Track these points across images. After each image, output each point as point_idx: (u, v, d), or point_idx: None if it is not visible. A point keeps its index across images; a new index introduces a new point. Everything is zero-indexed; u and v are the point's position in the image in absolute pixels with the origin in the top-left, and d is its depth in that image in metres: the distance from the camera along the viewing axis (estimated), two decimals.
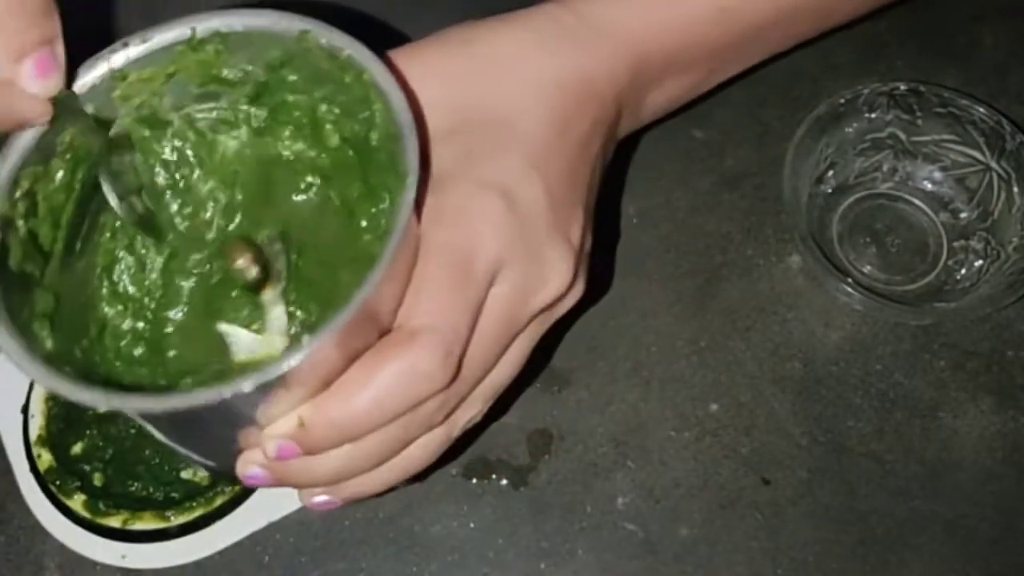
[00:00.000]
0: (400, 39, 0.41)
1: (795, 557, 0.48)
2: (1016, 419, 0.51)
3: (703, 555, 0.48)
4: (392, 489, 0.38)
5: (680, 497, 0.49)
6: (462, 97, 0.36)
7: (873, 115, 0.53)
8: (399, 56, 0.38)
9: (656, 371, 0.51)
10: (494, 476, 0.49)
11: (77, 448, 0.49)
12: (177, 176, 0.41)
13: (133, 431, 0.49)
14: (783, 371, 0.51)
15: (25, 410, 0.49)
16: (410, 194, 0.31)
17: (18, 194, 0.34)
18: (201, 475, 0.49)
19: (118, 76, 0.36)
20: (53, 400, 0.49)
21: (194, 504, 0.47)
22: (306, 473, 0.34)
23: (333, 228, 0.40)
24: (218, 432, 0.34)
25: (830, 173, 0.54)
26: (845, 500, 0.49)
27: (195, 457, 0.38)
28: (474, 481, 0.49)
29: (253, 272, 0.38)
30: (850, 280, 0.49)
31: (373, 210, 0.38)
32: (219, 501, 0.47)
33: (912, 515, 0.49)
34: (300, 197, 0.41)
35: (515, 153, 0.35)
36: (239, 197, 0.41)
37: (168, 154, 0.40)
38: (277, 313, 0.40)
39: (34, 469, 0.48)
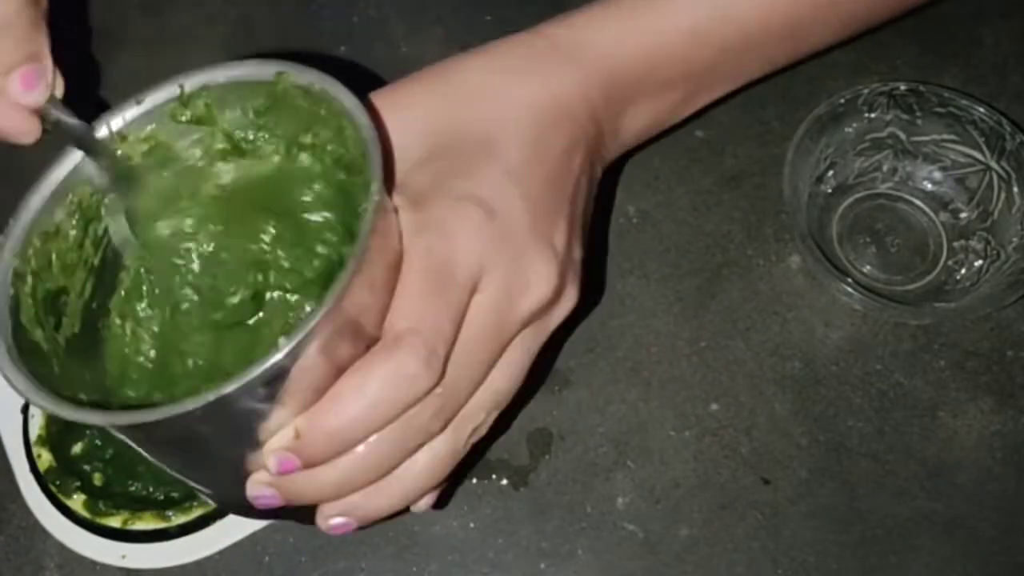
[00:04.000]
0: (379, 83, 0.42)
1: (795, 557, 0.48)
2: (1016, 419, 0.51)
3: (703, 555, 0.48)
4: (406, 511, 0.38)
5: (680, 497, 0.49)
6: (440, 124, 0.38)
7: (873, 115, 0.53)
8: (383, 92, 0.41)
9: (656, 371, 0.51)
10: (494, 476, 0.49)
11: (77, 448, 0.49)
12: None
13: None
14: (783, 371, 0.51)
15: (25, 410, 0.49)
16: (375, 197, 0.33)
17: (31, 251, 0.36)
18: None
19: (118, 138, 0.38)
20: None
21: (194, 504, 0.47)
22: (310, 486, 0.34)
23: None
24: (218, 452, 0.35)
25: (830, 173, 0.54)
26: (845, 500, 0.49)
27: (202, 488, 0.39)
28: (474, 481, 0.49)
29: None
30: (850, 280, 0.49)
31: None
32: None
33: (912, 515, 0.49)
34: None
35: (490, 168, 0.37)
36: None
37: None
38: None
39: (34, 469, 0.48)
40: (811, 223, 0.53)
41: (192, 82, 0.38)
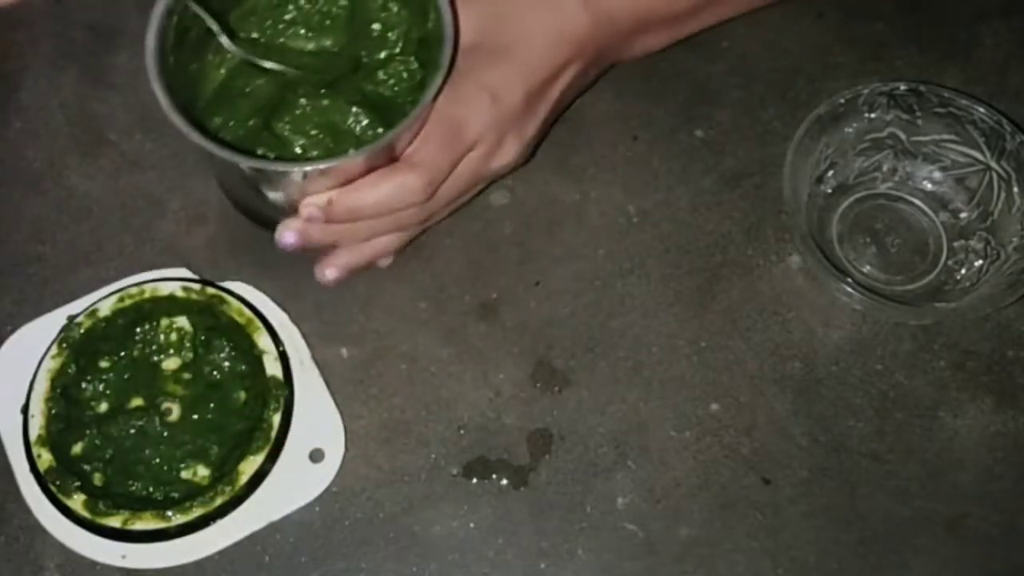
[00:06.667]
0: None
1: (795, 557, 0.48)
2: (1016, 419, 0.51)
3: (703, 555, 0.48)
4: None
5: (680, 497, 0.49)
6: (486, 26, 0.50)
7: (873, 115, 0.53)
8: None
9: (656, 371, 0.51)
10: (494, 476, 0.49)
11: (77, 448, 0.49)
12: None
13: (133, 431, 0.49)
14: (783, 371, 0.51)
15: (25, 410, 0.49)
16: (439, 79, 0.45)
17: None
18: (201, 475, 0.49)
19: None
20: (53, 400, 0.49)
21: (194, 504, 0.47)
22: (322, 233, 0.49)
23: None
24: (271, 193, 0.48)
25: (830, 173, 0.54)
26: (845, 500, 0.49)
27: (237, 199, 0.54)
28: (474, 481, 0.49)
29: None
30: (850, 280, 0.49)
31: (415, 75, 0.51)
32: (219, 501, 0.47)
33: (912, 515, 0.49)
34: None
35: (507, 66, 0.50)
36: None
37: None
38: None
39: (34, 469, 0.48)
40: (811, 223, 0.53)
41: None
